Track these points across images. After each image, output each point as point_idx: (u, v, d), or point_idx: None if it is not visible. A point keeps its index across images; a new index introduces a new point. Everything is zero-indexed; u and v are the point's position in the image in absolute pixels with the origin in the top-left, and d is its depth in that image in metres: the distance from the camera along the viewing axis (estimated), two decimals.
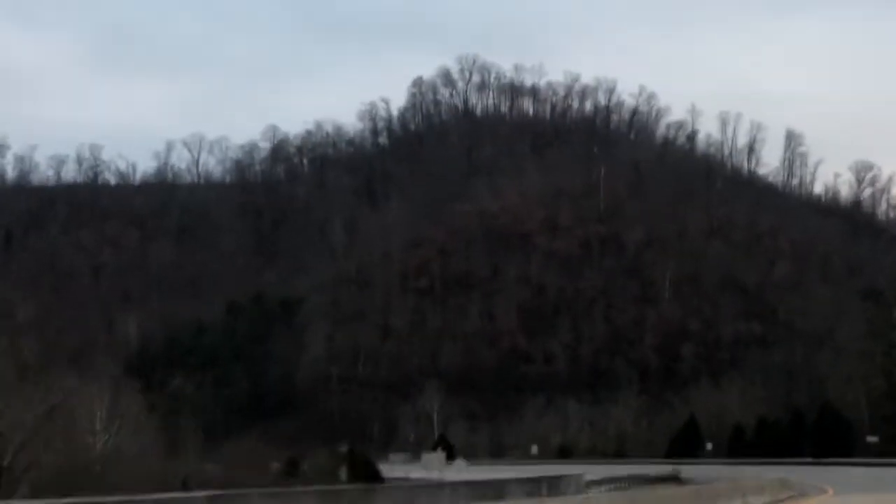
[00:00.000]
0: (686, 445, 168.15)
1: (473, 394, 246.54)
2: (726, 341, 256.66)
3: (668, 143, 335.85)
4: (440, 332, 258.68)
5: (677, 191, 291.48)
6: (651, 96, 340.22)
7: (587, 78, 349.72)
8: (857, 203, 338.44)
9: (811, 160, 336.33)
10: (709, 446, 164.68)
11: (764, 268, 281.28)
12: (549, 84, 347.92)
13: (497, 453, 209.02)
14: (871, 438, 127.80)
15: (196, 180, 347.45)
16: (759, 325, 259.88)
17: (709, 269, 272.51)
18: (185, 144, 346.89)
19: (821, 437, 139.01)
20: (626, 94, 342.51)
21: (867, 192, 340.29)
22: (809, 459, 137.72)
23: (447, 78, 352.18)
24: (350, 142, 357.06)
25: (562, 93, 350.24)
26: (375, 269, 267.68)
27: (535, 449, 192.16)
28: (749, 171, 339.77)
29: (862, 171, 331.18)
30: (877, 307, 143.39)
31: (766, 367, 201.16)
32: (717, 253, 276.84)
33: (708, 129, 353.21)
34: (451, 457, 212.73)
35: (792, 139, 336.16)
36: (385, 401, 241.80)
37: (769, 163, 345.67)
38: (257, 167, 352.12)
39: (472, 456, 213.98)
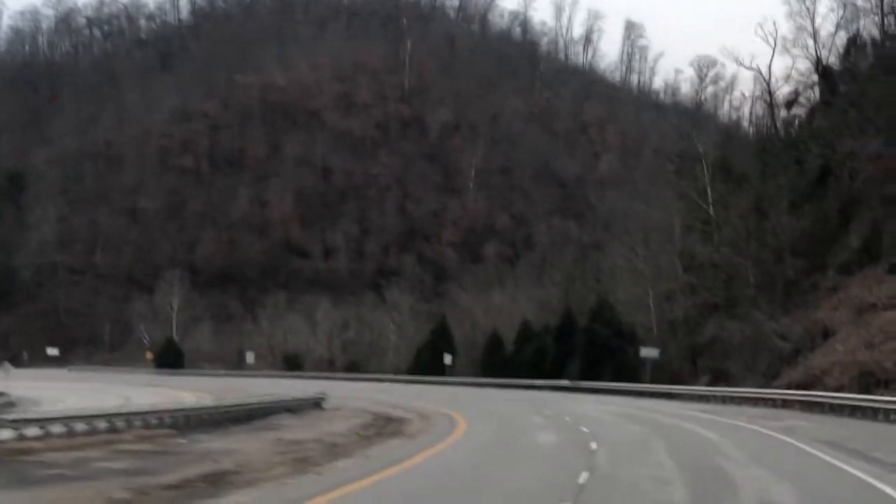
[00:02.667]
0: (432, 359, 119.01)
1: (234, 291, 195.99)
2: (538, 240, 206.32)
3: (490, 23, 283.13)
4: (201, 219, 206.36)
5: (496, 73, 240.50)
6: None
7: None
8: (698, 103, 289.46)
9: (651, 54, 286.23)
10: (448, 360, 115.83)
11: (587, 162, 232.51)
12: None
13: (239, 361, 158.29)
14: (648, 352, 78.81)
15: None
16: (577, 224, 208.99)
17: (523, 160, 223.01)
18: None
19: (590, 350, 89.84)
20: None
21: (710, 90, 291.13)
22: (566, 383, 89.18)
23: None
24: (149, 16, 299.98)
25: None
26: (130, 144, 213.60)
27: (251, 357, 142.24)
28: (584, 62, 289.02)
29: (704, 68, 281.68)
30: (683, 173, 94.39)
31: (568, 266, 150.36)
32: (534, 142, 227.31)
33: (543, 17, 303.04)
34: (176, 364, 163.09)
35: (631, 31, 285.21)
36: (125, 296, 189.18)
37: (607, 55, 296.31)
38: (40, 38, 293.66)
39: (211, 362, 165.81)
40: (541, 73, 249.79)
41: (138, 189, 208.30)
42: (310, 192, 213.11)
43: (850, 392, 51.34)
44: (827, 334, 62.22)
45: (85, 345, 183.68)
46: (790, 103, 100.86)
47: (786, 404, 54.60)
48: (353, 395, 74.34)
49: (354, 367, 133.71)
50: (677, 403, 64.45)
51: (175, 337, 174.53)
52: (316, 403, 62.14)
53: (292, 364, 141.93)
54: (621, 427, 42.26)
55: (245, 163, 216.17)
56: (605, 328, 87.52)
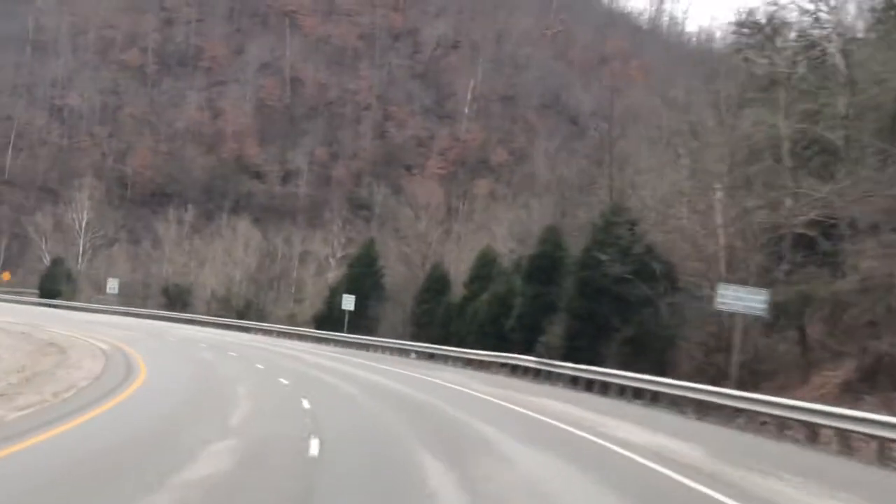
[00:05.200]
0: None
1: (166, 212, 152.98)
2: (540, 181, 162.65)
3: None
4: (139, 124, 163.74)
5: None
6: None
7: None
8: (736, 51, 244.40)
9: None
10: (348, 304, 74.87)
11: (605, 96, 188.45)
12: None
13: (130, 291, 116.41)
14: (736, 298, 34.25)
15: None
16: (589, 165, 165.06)
17: (529, 88, 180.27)
18: None
19: (586, 301, 47.43)
20: None
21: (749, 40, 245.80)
22: (530, 361, 46.89)
23: None
24: None
25: None
26: (65, 31, 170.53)
27: (113, 285, 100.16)
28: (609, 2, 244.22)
29: (743, 14, 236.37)
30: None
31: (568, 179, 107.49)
32: (543, 69, 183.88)
33: None
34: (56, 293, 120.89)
35: None
36: (35, 208, 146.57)
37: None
38: None
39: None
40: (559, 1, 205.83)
41: (68, 84, 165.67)
42: (273, 105, 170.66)
43: None
44: None
45: None
46: None
47: None
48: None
49: (248, 311, 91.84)
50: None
51: (80, 260, 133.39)
52: None
53: (174, 300, 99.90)
54: None
55: (200, 64, 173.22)
56: (618, 257, 44.85)
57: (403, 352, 63.31)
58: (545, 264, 55.06)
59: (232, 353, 48.89)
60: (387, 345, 67.12)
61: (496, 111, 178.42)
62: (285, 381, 33.28)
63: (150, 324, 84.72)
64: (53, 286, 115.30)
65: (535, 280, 55.53)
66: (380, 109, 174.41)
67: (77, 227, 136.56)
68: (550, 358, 47.21)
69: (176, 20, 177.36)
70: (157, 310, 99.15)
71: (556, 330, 50.64)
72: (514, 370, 47.65)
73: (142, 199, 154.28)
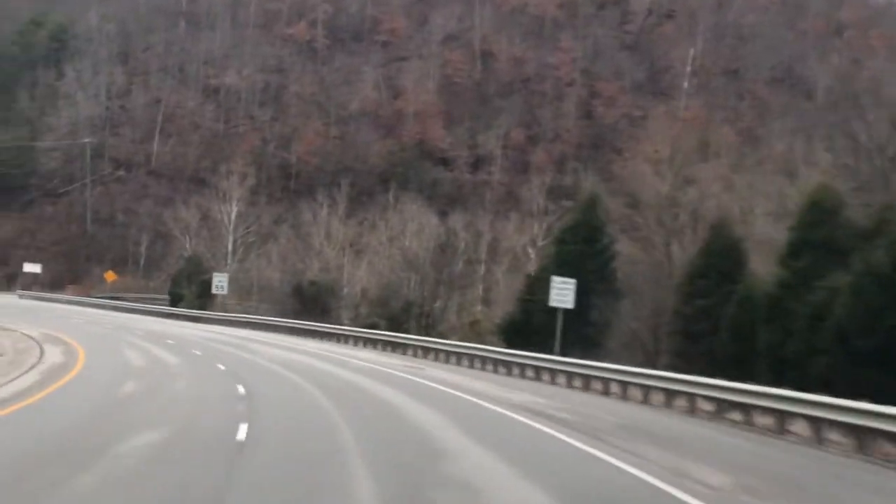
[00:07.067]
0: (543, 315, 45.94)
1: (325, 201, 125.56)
2: (771, 165, 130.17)
3: None
4: (306, 106, 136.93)
5: None
6: None
7: None
8: None
9: None
10: (561, 297, 43.64)
11: (841, 67, 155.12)
12: None
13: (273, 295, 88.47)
14: None
15: None
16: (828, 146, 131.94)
17: (757, 60, 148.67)
18: None
19: None
20: None
21: None
22: None
23: None
24: None
25: None
26: (221, 6, 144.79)
27: (221, 281, 73.60)
28: None
29: None
30: None
31: None
32: (772, 39, 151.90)
33: None
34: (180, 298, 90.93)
35: None
36: (183, 201, 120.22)
37: None
38: None
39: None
40: None
41: (225, 62, 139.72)
42: (461, 82, 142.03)
43: None
44: None
45: (112, 263, 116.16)
46: None
47: None
48: None
49: (407, 318, 62.32)
50: None
51: (230, 259, 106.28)
52: None
53: (309, 303, 71.07)
54: None
55: (376, 38, 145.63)
56: None
57: (675, 395, 29.34)
58: None
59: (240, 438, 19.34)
60: (649, 383, 31.38)
61: (719, 86, 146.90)
62: None
63: (264, 338, 56.47)
64: (180, 290, 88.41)
65: None
66: (585, 86, 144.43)
67: (227, 221, 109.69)
68: None
69: None
70: (298, 318, 70.62)
71: None
72: None
73: (308, 189, 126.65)
